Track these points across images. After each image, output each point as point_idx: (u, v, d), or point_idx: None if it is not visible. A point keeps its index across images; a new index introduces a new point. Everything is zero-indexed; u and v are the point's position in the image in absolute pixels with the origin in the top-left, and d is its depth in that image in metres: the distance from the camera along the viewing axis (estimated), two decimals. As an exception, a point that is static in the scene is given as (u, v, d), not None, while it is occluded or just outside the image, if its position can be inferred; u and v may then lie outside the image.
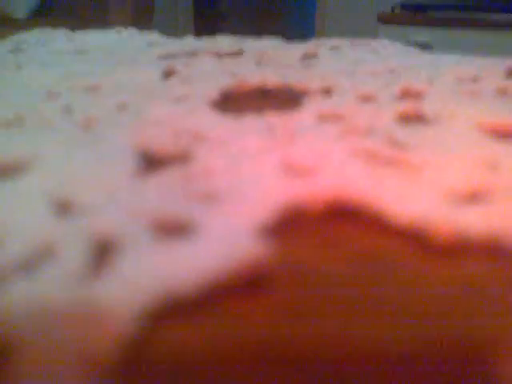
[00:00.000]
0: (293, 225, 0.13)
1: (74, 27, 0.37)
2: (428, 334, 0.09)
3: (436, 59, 0.26)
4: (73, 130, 0.18)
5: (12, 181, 0.14)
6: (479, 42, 1.08)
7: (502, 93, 0.21)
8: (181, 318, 0.10)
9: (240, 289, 0.10)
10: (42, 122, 0.18)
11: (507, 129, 0.17)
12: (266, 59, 0.27)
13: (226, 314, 0.10)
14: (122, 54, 0.29)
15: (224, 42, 0.31)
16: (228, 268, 0.10)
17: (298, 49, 0.29)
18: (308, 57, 0.28)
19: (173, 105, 0.20)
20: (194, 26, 1.76)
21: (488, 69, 0.23)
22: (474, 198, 0.13)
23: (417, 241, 0.12)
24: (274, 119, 0.18)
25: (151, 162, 0.15)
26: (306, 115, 0.19)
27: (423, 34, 1.15)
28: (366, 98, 0.20)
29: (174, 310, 0.10)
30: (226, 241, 0.11)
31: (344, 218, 0.13)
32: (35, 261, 0.11)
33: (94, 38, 0.34)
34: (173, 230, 0.12)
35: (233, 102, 0.21)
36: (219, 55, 0.28)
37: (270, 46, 0.30)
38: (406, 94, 0.21)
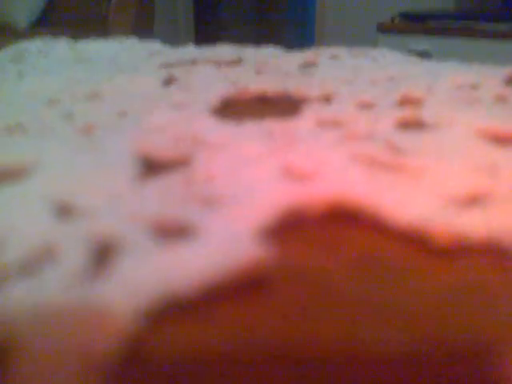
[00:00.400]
0: (293, 228, 0.13)
1: (75, 36, 0.38)
2: (429, 336, 0.09)
3: (435, 67, 0.26)
4: (74, 136, 0.18)
5: (15, 185, 0.14)
6: (477, 50, 1.09)
7: (501, 100, 0.21)
8: (181, 319, 0.10)
9: (240, 291, 0.10)
10: (43, 128, 0.19)
11: (506, 135, 0.18)
12: (266, 68, 0.27)
13: (225, 315, 0.10)
14: (123, 62, 0.29)
15: (224, 50, 0.31)
16: (228, 270, 0.11)
17: (297, 57, 0.29)
18: (308, 65, 0.28)
19: (173, 111, 0.20)
20: (194, 34, 1.78)
21: (487, 76, 0.23)
22: (473, 202, 0.13)
23: (416, 244, 0.12)
24: (274, 125, 0.18)
25: (151, 167, 0.15)
26: (305, 121, 0.19)
27: (422, 43, 1.15)
28: (366, 105, 0.21)
29: (174, 312, 0.10)
30: (225, 244, 0.11)
31: (343, 222, 0.13)
32: (37, 262, 0.11)
33: (95, 48, 0.34)
34: (173, 232, 0.12)
35: (233, 109, 0.21)
36: (219, 64, 0.28)
37: (269, 54, 0.30)
38: (406, 101, 0.21)
